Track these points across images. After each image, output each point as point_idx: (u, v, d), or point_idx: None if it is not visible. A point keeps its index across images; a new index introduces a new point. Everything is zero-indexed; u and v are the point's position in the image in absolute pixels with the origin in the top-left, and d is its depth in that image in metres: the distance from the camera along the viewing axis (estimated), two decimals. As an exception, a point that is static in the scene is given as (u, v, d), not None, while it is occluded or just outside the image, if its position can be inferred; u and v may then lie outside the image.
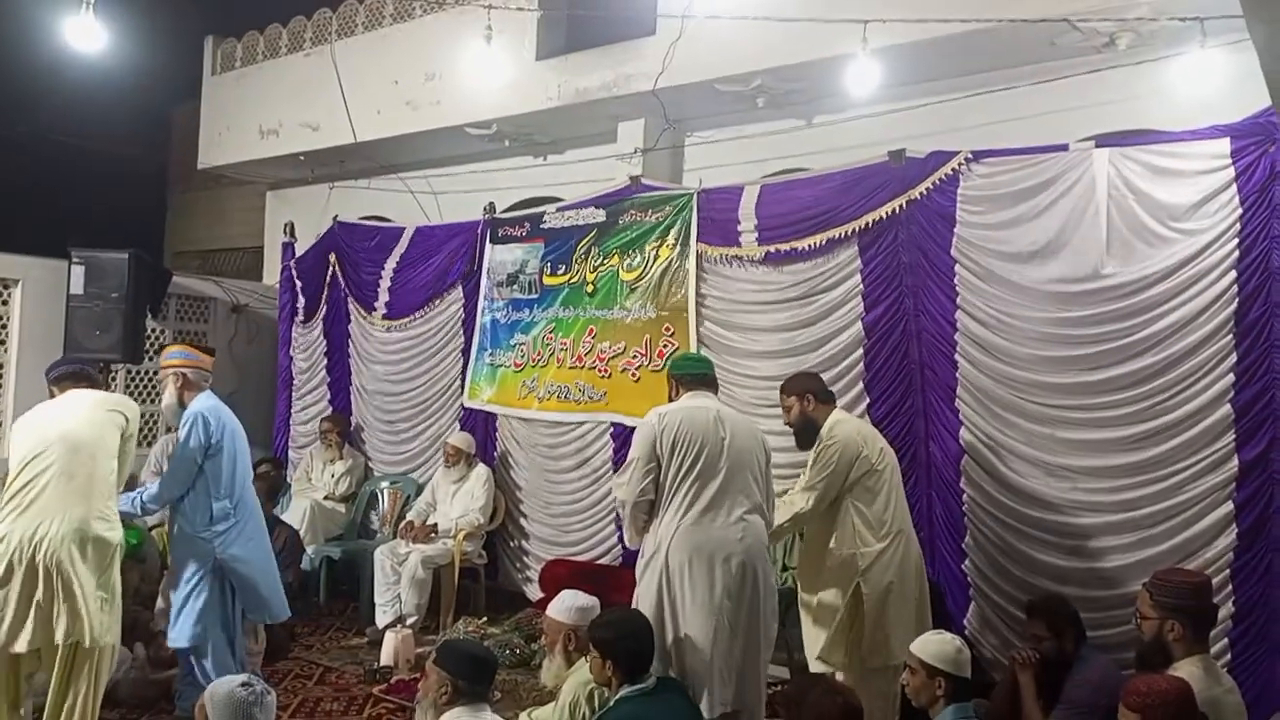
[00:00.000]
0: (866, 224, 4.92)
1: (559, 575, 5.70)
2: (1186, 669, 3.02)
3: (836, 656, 3.89)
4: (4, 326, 7.20)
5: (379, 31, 7.97)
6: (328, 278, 7.60)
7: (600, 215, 6.04)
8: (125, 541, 4.74)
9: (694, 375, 3.86)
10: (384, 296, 7.16)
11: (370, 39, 7.99)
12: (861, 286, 5.00)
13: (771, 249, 5.24)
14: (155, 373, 4.51)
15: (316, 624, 6.01)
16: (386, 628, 5.49)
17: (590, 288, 6.03)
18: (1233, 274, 3.98)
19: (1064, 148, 4.45)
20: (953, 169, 4.69)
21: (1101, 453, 4.27)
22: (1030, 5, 4.78)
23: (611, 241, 5.94)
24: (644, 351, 5.72)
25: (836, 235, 5.01)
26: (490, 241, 6.66)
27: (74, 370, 3.96)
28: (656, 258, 5.71)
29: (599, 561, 5.95)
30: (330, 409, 7.54)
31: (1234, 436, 4.00)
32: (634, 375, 5.77)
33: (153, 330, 7.76)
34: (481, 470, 6.22)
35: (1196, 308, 4.05)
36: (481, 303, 6.65)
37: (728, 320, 5.47)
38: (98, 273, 6.79)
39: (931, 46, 5.15)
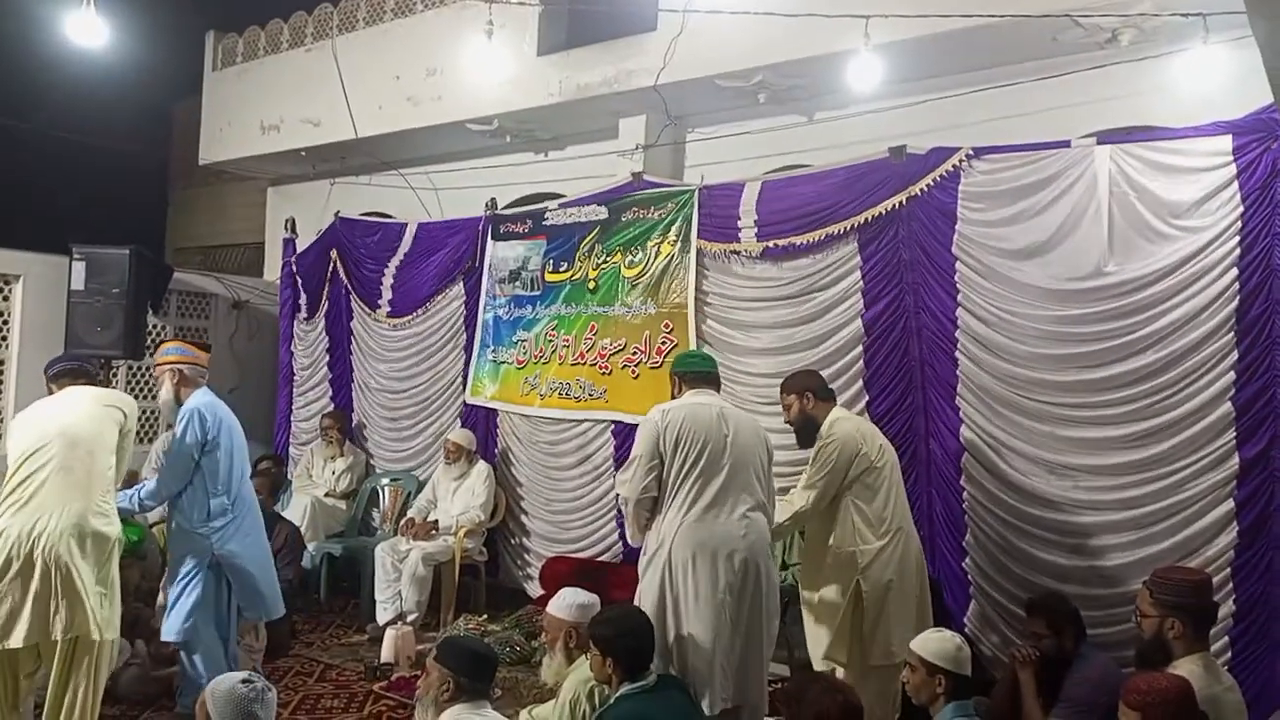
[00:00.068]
0: (866, 220, 4.91)
1: (559, 572, 5.70)
2: (1187, 667, 3.01)
3: (839, 655, 3.90)
4: (5, 323, 7.21)
5: (380, 27, 7.96)
6: (328, 274, 7.60)
7: (603, 212, 6.03)
8: (126, 538, 4.75)
9: (697, 373, 3.87)
10: (387, 294, 7.15)
11: (371, 34, 7.99)
12: (861, 283, 4.99)
13: (770, 244, 5.23)
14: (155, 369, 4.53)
15: (317, 621, 6.01)
16: (387, 625, 5.50)
17: (592, 284, 6.02)
18: (1234, 271, 3.97)
19: (1066, 144, 4.43)
20: (954, 165, 4.68)
21: (1102, 450, 4.27)
22: (1032, 1, 4.76)
23: (615, 238, 5.93)
24: (644, 348, 5.72)
25: (836, 231, 5.00)
26: (492, 238, 6.65)
27: (72, 367, 3.97)
28: (658, 254, 5.70)
29: (600, 559, 5.95)
30: (332, 405, 7.54)
31: (1235, 434, 3.98)
32: (634, 372, 5.77)
33: (154, 326, 7.76)
34: (482, 467, 6.22)
35: (1198, 305, 4.03)
36: (483, 299, 6.65)
37: (727, 317, 5.47)
38: (99, 269, 6.79)
39: (933, 42, 5.14)
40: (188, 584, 4.12)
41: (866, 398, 4.94)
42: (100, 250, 6.84)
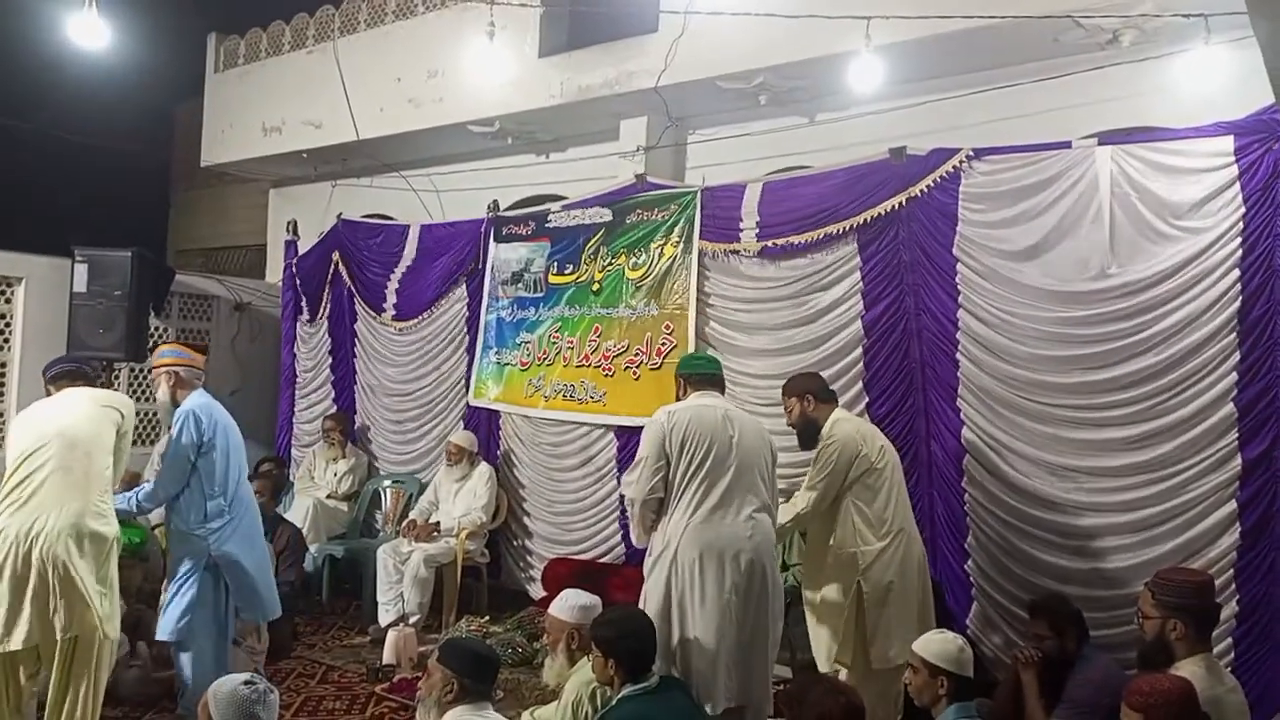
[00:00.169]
0: (866, 221, 4.91)
1: (561, 574, 5.70)
2: (1189, 668, 3.01)
3: (842, 657, 3.90)
4: (8, 325, 7.21)
5: (381, 29, 7.97)
6: (329, 276, 7.60)
7: (607, 214, 6.03)
8: (128, 540, 4.77)
9: (702, 375, 3.89)
10: (392, 298, 7.15)
11: (373, 36, 7.99)
12: (861, 284, 4.99)
13: (770, 244, 5.24)
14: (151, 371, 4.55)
15: (319, 623, 6.02)
16: (389, 626, 5.50)
17: (596, 286, 6.02)
18: (1236, 272, 3.97)
19: (1067, 145, 4.43)
20: (954, 166, 4.68)
21: (1104, 452, 4.26)
22: (1034, 2, 4.77)
23: (619, 240, 5.93)
24: (645, 350, 5.72)
25: (836, 232, 5.01)
26: (494, 240, 6.66)
27: (70, 369, 3.99)
28: (662, 256, 5.70)
29: (602, 560, 5.95)
30: (334, 407, 7.54)
31: (1237, 435, 3.98)
32: (635, 374, 5.77)
33: (156, 328, 7.77)
34: (484, 469, 6.22)
35: (1200, 306, 4.03)
36: (485, 301, 6.65)
37: (728, 318, 5.47)
38: (101, 271, 6.80)
39: (934, 43, 5.14)
40: (184, 584, 4.13)
41: (867, 399, 4.95)
42: (102, 252, 6.85)
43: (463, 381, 6.77)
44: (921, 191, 4.75)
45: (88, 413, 3.74)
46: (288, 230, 8.07)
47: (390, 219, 8.00)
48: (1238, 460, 3.98)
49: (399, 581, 5.73)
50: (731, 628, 3.50)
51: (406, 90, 7.57)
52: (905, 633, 3.70)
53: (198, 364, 4.42)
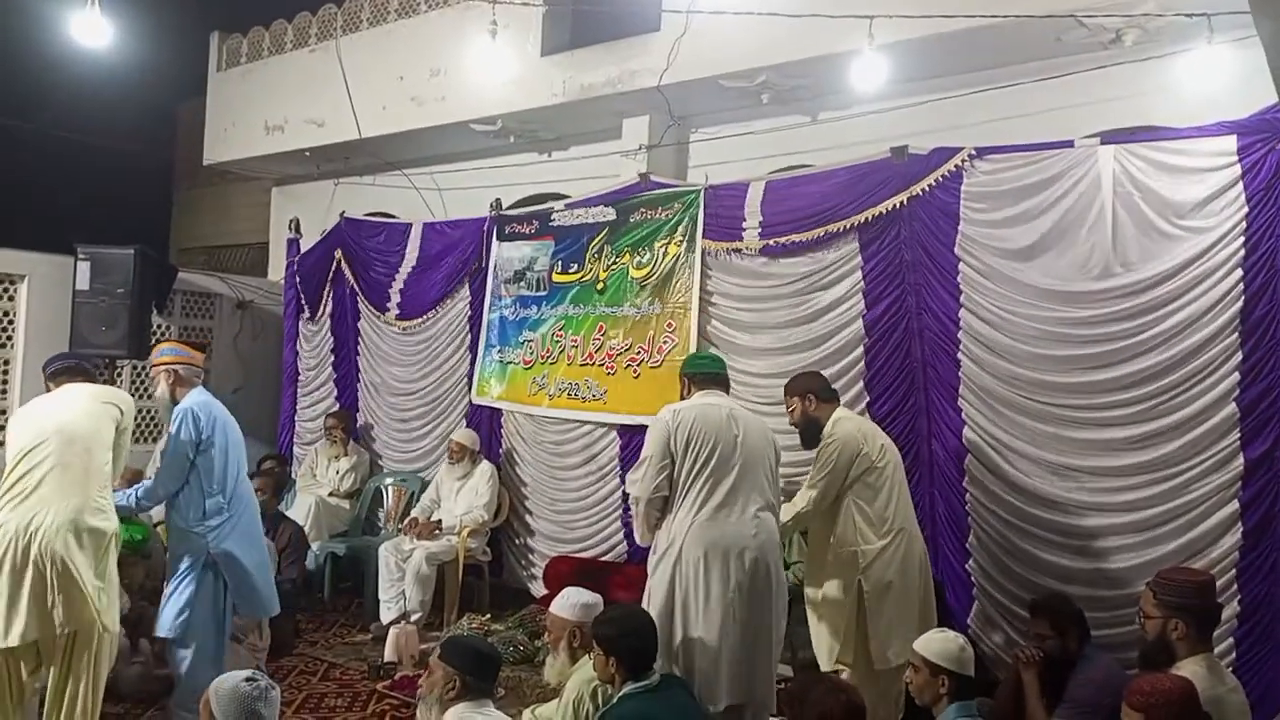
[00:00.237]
0: (867, 219, 4.91)
1: (563, 572, 5.70)
2: (1190, 668, 3.01)
3: (844, 656, 3.90)
4: (11, 322, 7.23)
5: (384, 27, 7.97)
6: (331, 274, 7.61)
7: (611, 213, 6.03)
8: (130, 537, 4.78)
9: (706, 374, 3.90)
10: (396, 297, 7.15)
11: (375, 34, 8.00)
12: (863, 283, 4.99)
13: (771, 242, 5.24)
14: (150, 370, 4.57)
15: (321, 620, 6.02)
16: (390, 624, 5.51)
17: (601, 285, 6.02)
18: (1239, 272, 3.96)
19: (1069, 144, 4.43)
20: (956, 165, 4.68)
21: (1106, 452, 4.26)
22: (1036, 1, 4.76)
23: (623, 239, 5.93)
24: (646, 348, 5.72)
25: (837, 230, 5.01)
26: (497, 238, 6.66)
27: (70, 365, 3.99)
28: (666, 254, 5.70)
29: (604, 558, 5.95)
30: (337, 405, 7.55)
31: (1239, 435, 3.98)
32: (635, 372, 5.78)
33: (158, 326, 7.78)
34: (486, 467, 6.22)
35: (1202, 306, 4.03)
36: (488, 300, 6.65)
37: (730, 317, 5.47)
38: (103, 269, 6.82)
39: (937, 42, 5.14)
40: (183, 581, 4.14)
41: (868, 398, 4.94)
42: (105, 250, 6.86)
43: (466, 380, 6.77)
44: (923, 190, 4.75)
45: (87, 409, 3.75)
46: (290, 228, 8.07)
47: (393, 217, 8.00)
48: (1240, 460, 3.98)
49: (400, 579, 5.73)
50: (735, 626, 3.50)
51: (409, 89, 7.58)
52: (906, 632, 3.70)
53: (197, 362, 4.42)
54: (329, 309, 7.66)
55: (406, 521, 6.15)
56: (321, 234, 7.80)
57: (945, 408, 4.71)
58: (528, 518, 6.40)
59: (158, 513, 5.20)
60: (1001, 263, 4.53)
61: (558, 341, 6.20)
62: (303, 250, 7.90)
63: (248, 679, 2.64)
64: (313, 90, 8.19)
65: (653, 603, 3.58)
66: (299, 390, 7.86)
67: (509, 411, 6.49)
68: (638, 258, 5.84)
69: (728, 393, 3.90)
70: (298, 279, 7.83)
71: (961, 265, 4.65)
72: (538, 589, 6.12)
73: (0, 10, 10.11)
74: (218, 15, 9.77)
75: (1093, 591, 4.18)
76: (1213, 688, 2.96)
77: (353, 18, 8.25)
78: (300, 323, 7.88)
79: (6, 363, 7.21)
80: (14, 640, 3.44)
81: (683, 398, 3.89)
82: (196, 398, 4.25)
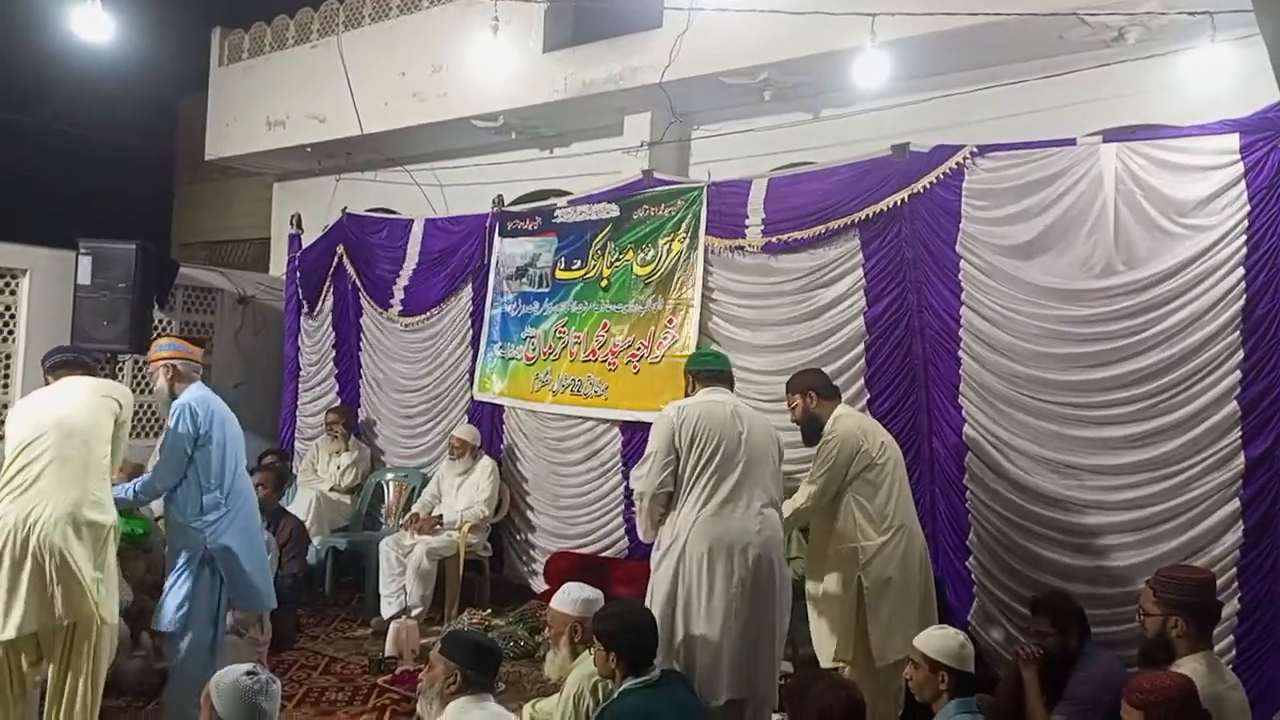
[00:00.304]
0: (868, 217, 4.91)
1: (563, 568, 5.71)
2: (1190, 666, 3.01)
3: (844, 652, 3.91)
4: (12, 317, 7.23)
5: (385, 23, 7.97)
6: (332, 269, 7.60)
7: (614, 209, 6.03)
8: (131, 531, 4.79)
9: (711, 371, 3.91)
10: (400, 294, 7.15)
11: (377, 30, 8.00)
12: (864, 281, 4.99)
13: (774, 240, 5.24)
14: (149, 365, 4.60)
15: (321, 614, 6.03)
16: (391, 619, 5.51)
17: (605, 282, 6.01)
18: (1240, 270, 3.96)
19: (1071, 142, 4.43)
20: (958, 163, 4.68)
21: (1107, 450, 4.26)
22: (1039, -1, 4.77)
23: (627, 236, 5.93)
24: (647, 344, 5.73)
25: (838, 227, 5.01)
26: (499, 235, 6.66)
27: (69, 358, 4.00)
28: (669, 252, 5.70)
29: (605, 554, 5.96)
30: (338, 401, 7.56)
31: (1240, 433, 3.98)
32: (635, 367, 5.78)
33: (160, 321, 7.78)
34: (487, 463, 6.23)
35: (1204, 304, 4.03)
36: (490, 295, 6.65)
37: (732, 314, 5.48)
38: (105, 263, 6.82)
39: (939, 40, 5.14)
40: (181, 575, 4.16)
41: (869, 396, 4.94)
42: (106, 245, 6.86)
43: (468, 376, 6.77)
44: (924, 188, 4.75)
45: (86, 402, 3.75)
46: (291, 224, 8.07)
47: (394, 213, 8.00)
48: (1240, 459, 3.98)
49: (401, 574, 5.74)
50: (736, 623, 3.51)
51: (410, 85, 7.58)
52: (906, 628, 3.70)
53: (195, 357, 4.42)
54: (330, 304, 7.66)
55: (408, 517, 6.16)
56: (323, 230, 7.80)
57: (946, 405, 4.71)
58: (529, 513, 6.40)
59: (158, 507, 5.22)
60: (1003, 260, 4.53)
61: (560, 338, 6.21)
62: (304, 246, 7.89)
63: (248, 673, 2.64)
64: (314, 86, 8.20)
65: (655, 598, 3.59)
66: (300, 385, 7.86)
67: (511, 408, 6.49)
68: (642, 254, 5.84)
69: (732, 390, 3.91)
70: (299, 274, 7.83)
71: (963, 263, 4.65)
72: (538, 585, 6.12)
73: (1, 4, 10.11)
74: (219, 10, 9.77)
75: (1093, 589, 4.19)
76: (1212, 685, 2.96)
77: (355, 13, 8.25)
78: (301, 318, 7.88)
79: (8, 357, 7.21)
80: (12, 632, 3.44)
81: (687, 394, 3.91)
82: (195, 393, 4.26)
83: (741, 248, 5.40)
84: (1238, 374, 3.97)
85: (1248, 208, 3.96)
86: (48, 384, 3.92)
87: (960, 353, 4.66)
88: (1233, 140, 4.01)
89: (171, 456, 4.16)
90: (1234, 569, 3.98)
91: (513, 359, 6.48)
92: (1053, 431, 4.39)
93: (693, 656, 3.51)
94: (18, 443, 3.60)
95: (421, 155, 8.22)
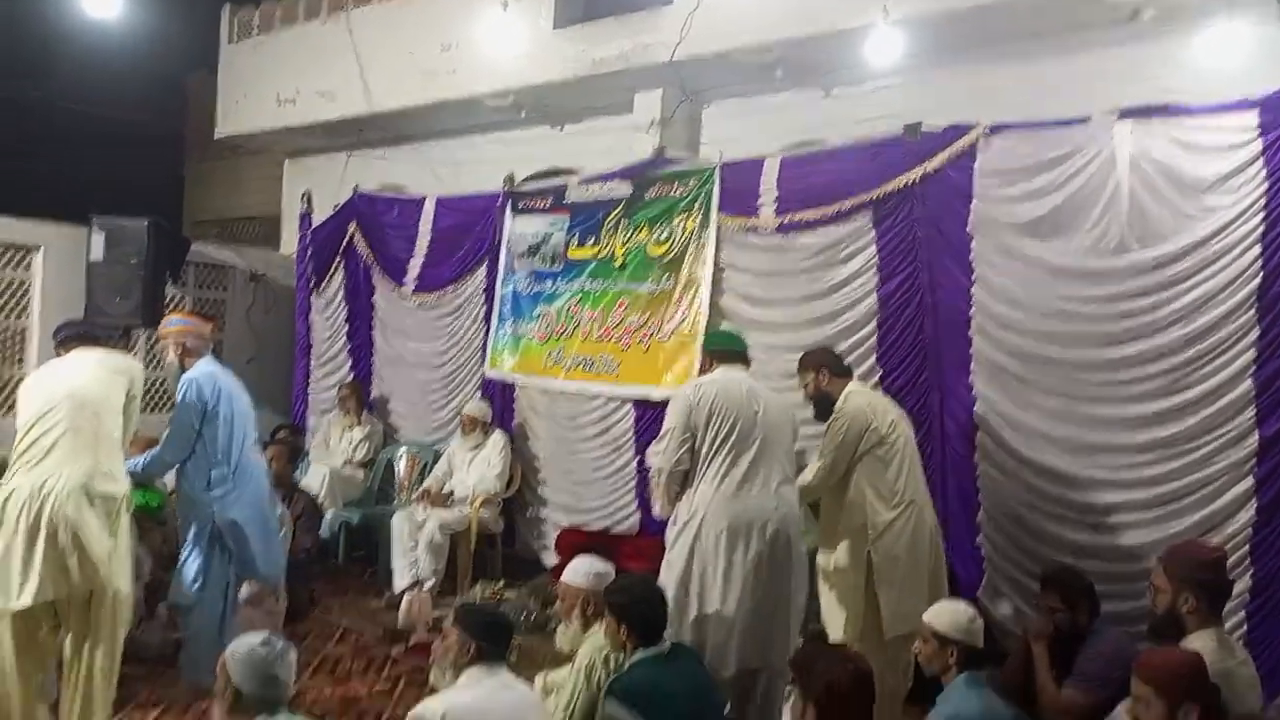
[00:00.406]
0: (881, 196, 4.90)
1: (574, 542, 5.75)
2: (1200, 642, 3.02)
3: (852, 626, 3.93)
4: (26, 292, 7.26)
5: (395, 0, 7.93)
6: (343, 246, 7.61)
7: (626, 188, 6.02)
8: (146, 504, 4.83)
9: (727, 350, 3.96)
10: (414, 272, 7.15)
11: (387, 8, 7.96)
12: (876, 259, 4.98)
13: (787, 220, 5.23)
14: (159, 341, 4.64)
15: (335, 586, 6.09)
16: (404, 591, 5.56)
17: (619, 261, 6.00)
18: (1257, 249, 3.93)
19: (1085, 121, 4.39)
20: (970, 142, 4.65)
21: (1119, 428, 4.25)
22: (1054, -25, 4.73)
23: (640, 214, 5.92)
24: (657, 321, 5.73)
25: (851, 207, 5.01)
26: (511, 213, 6.65)
27: (79, 331, 4.03)
28: (684, 231, 5.69)
29: (616, 530, 5.99)
30: (350, 376, 7.58)
31: (1254, 411, 3.96)
32: (645, 345, 5.79)
33: (172, 296, 7.81)
34: (498, 438, 6.26)
35: (1219, 283, 4.00)
36: (501, 273, 6.66)
37: (743, 292, 5.48)
38: (117, 239, 6.85)
39: (952, 18, 5.10)
40: (193, 549, 4.21)
41: (879, 374, 4.95)
42: (119, 221, 6.90)
43: (481, 353, 6.78)
44: (937, 168, 4.73)
45: (96, 375, 3.78)
46: (302, 202, 8.06)
47: (405, 191, 7.99)
48: (1254, 437, 3.97)
49: (414, 548, 5.79)
50: (751, 598, 3.56)
51: (420, 62, 7.54)
52: (916, 603, 3.70)
53: (204, 332, 4.47)
54: (342, 282, 7.67)
55: (420, 491, 6.20)
56: (334, 208, 7.80)
57: (957, 383, 4.71)
58: (541, 489, 6.43)
59: (172, 480, 5.27)
60: (1015, 239, 4.52)
61: (573, 316, 6.21)
62: (315, 224, 7.90)
63: (264, 642, 2.67)
64: (324, 63, 8.17)
65: (671, 574, 3.64)
66: (312, 362, 7.89)
67: (523, 385, 6.50)
68: (657, 234, 5.82)
69: (748, 369, 3.93)
70: (310, 252, 7.84)
71: (974, 242, 4.64)
72: (550, 559, 6.16)
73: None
74: (228, -14, 9.73)
75: (1104, 566, 4.19)
76: (1222, 661, 2.97)
77: (364, -10, 8.21)
78: (313, 296, 7.89)
79: (23, 332, 7.25)
80: (28, 600, 3.48)
81: (703, 372, 3.94)
82: (203, 368, 4.30)
83: (755, 227, 5.39)
84: (1252, 352, 3.95)
85: (1265, 185, 3.92)
86: (58, 356, 3.95)
87: (971, 331, 4.66)
88: (1251, 117, 3.97)
89: (179, 431, 4.20)
90: (1246, 546, 3.98)
91: (524, 336, 6.49)
92: (1064, 409, 4.38)
93: (705, 631, 3.56)
94: (30, 415, 3.64)
95: (432, 133, 8.20)
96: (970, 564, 4.68)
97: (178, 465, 4.33)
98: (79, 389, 3.69)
